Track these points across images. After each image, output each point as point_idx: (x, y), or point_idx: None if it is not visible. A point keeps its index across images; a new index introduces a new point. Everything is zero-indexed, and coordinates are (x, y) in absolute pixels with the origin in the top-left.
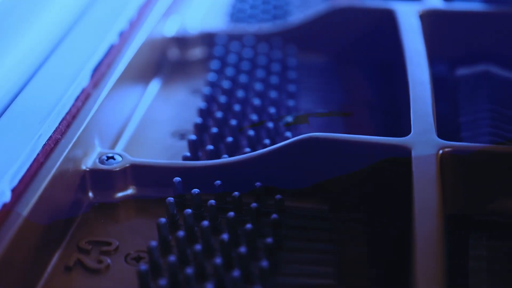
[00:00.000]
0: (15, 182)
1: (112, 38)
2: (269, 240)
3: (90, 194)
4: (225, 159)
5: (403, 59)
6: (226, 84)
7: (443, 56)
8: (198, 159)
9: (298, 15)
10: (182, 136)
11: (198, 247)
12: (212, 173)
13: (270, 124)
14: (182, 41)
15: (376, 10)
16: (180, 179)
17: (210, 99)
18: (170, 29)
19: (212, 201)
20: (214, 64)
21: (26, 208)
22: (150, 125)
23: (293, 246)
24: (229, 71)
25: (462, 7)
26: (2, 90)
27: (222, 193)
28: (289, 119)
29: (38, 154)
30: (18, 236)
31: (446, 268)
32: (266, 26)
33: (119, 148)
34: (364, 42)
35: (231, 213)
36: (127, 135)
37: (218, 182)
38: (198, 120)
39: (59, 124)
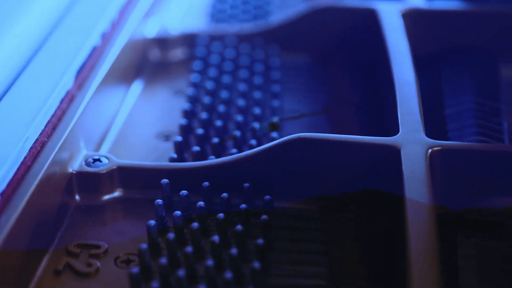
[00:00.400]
0: (3, 186)
1: (94, 39)
2: (260, 241)
3: (77, 197)
4: (213, 160)
5: (388, 58)
6: (209, 85)
7: (426, 54)
8: (184, 160)
9: (278, 15)
10: (166, 137)
11: (189, 249)
12: (200, 174)
13: (256, 125)
14: (163, 42)
15: (358, 10)
16: (167, 181)
17: (194, 100)
18: (151, 30)
19: (201, 203)
20: (197, 65)
21: (14, 212)
22: (134, 126)
23: (283, 246)
24: (212, 72)
25: (443, 5)
26: None
27: (211, 194)
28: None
29: (25, 157)
30: (6, 241)
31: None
32: (247, 26)
33: (104, 150)
34: (346, 42)
35: (221, 215)
36: (112, 137)
37: (206, 183)
38: (183, 121)
39: (45, 127)
